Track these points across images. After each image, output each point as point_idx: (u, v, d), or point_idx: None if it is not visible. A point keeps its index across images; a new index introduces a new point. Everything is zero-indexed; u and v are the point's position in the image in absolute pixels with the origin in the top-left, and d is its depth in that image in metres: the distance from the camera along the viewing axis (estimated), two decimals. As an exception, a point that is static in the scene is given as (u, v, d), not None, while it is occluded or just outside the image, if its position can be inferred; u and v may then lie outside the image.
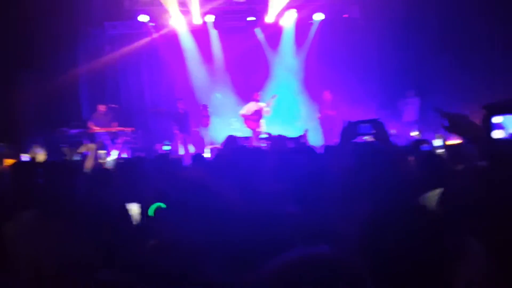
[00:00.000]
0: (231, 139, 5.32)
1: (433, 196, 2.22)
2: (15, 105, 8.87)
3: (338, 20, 11.11)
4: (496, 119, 2.05)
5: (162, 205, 2.33)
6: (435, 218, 2.02)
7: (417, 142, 4.46)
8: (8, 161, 5.16)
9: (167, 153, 8.55)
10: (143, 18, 10.60)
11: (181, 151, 9.34)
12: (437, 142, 5.86)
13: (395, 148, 2.70)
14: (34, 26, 8.70)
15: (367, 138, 2.94)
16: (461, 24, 8.88)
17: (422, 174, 2.82)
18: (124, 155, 9.26)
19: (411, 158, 3.17)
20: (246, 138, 8.91)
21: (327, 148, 4.18)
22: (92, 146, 8.74)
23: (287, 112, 11.01)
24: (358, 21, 11.03)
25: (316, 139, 9.26)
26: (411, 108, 9.70)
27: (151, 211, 2.35)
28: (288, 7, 10.64)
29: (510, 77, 8.46)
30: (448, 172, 2.92)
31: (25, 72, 9.20)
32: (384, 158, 2.73)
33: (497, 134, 2.05)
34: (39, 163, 4.24)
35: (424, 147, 3.94)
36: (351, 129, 2.84)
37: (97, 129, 9.25)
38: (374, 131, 2.72)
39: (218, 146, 9.27)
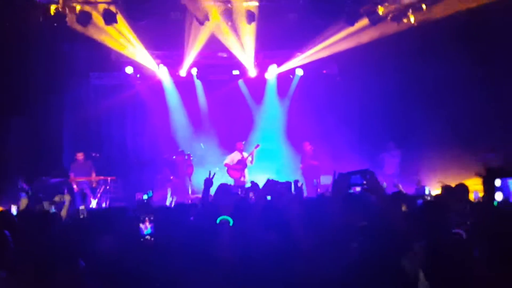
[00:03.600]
0: (223, 187, 5.34)
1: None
2: (2, 152, 8.76)
3: (318, 75, 11.61)
4: (497, 182, 2.24)
5: (230, 219, 2.44)
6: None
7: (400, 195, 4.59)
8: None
9: (146, 201, 8.46)
10: (128, 70, 10.83)
11: (169, 199, 9.28)
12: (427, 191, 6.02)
13: (387, 198, 2.81)
14: (21, 74, 8.78)
15: (358, 188, 3.06)
16: (435, 74, 9.42)
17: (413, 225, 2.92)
18: (103, 205, 9.10)
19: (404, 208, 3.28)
20: (238, 186, 8.93)
21: (320, 197, 4.25)
22: (67, 196, 8.59)
23: (270, 162, 11.15)
24: (336, 76, 11.57)
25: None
26: (392, 161, 9.95)
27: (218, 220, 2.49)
28: (269, 62, 11.10)
29: (491, 124, 8.89)
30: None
31: (10, 119, 9.17)
32: (376, 209, 2.83)
33: (498, 196, 2.24)
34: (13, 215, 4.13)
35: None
36: (343, 181, 2.95)
37: (77, 178, 9.14)
38: (365, 182, 2.83)
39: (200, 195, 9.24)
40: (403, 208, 3.98)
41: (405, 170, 9.65)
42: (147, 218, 3.40)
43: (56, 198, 8.04)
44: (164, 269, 2.48)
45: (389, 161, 9.93)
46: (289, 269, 2.56)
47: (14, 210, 4.50)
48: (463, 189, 4.78)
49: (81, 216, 5.93)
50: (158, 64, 10.90)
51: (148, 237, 3.17)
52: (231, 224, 2.55)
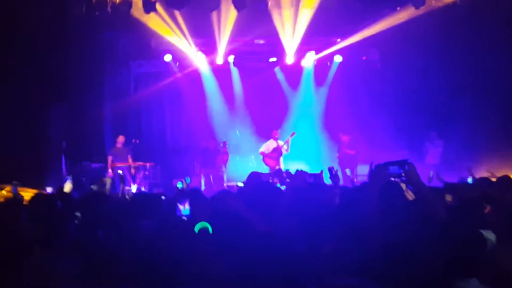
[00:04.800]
0: (254, 175, 5.34)
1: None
2: (43, 138, 9.16)
3: (357, 62, 11.31)
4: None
5: (209, 226, 2.41)
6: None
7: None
8: (28, 194, 5.23)
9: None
10: (168, 57, 10.99)
11: (203, 186, 9.42)
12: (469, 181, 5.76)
13: (428, 189, 2.68)
14: (66, 63, 9.11)
15: (397, 179, 2.94)
16: (480, 64, 8.96)
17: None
18: (143, 189, 9.34)
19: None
20: (269, 174, 8.93)
21: (363, 185, 4.14)
22: (107, 179, 8.90)
23: (305, 150, 11.04)
24: (377, 63, 11.22)
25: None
26: (435, 150, 9.61)
27: (197, 228, 2.43)
28: (308, 49, 10.90)
29: None
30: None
31: (55, 106, 9.55)
32: (417, 200, 2.72)
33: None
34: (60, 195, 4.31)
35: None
36: (380, 171, 2.84)
37: (118, 163, 9.39)
38: (404, 173, 2.72)
39: (236, 184, 9.31)
40: (448, 199, 3.80)
41: (448, 161, 9.27)
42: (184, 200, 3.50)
43: (98, 182, 8.39)
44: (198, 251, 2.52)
45: (432, 151, 9.58)
46: (319, 260, 2.51)
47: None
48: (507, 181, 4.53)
49: (127, 197, 6.11)
50: (195, 52, 10.97)
51: (184, 217, 3.25)
52: (210, 232, 2.52)
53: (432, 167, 8.89)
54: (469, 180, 5.84)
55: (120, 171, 8.89)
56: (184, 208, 3.35)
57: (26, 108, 8.58)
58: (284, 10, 9.24)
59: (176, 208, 3.35)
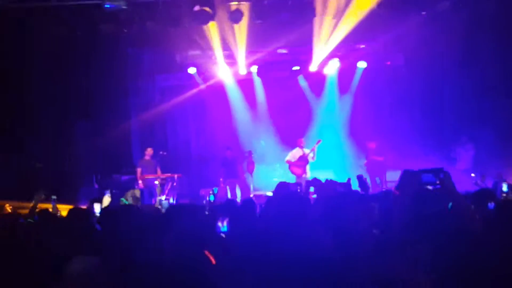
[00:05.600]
0: (282, 185, 5.34)
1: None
2: (73, 154, 9.42)
3: (381, 68, 11.21)
4: None
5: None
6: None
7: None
8: (64, 209, 5.41)
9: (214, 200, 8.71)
10: (191, 70, 11.18)
11: (229, 196, 9.48)
12: (504, 187, 5.59)
13: (463, 199, 2.63)
14: (93, 80, 9.38)
15: (430, 187, 2.90)
16: (508, 64, 8.71)
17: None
18: (171, 200, 9.47)
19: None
20: (297, 183, 8.91)
21: (386, 193, 4.10)
22: (137, 191, 9.08)
23: (331, 158, 10.97)
24: (402, 68, 11.08)
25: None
26: (466, 155, 9.36)
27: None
28: (331, 56, 10.88)
29: None
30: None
31: (83, 122, 9.82)
32: (452, 209, 2.67)
33: None
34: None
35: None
36: (413, 178, 2.82)
37: (147, 175, 9.56)
38: (439, 182, 2.68)
39: (264, 193, 9.33)
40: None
41: (479, 165, 9.01)
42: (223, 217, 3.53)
43: (128, 193, 8.57)
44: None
45: (463, 156, 9.33)
46: (347, 270, 2.49)
47: (97, 208, 4.88)
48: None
49: (160, 208, 6.21)
50: (219, 63, 11.11)
51: (223, 234, 3.28)
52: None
53: (464, 172, 8.68)
54: (504, 186, 5.67)
55: (156, 182, 9.07)
56: (223, 225, 3.37)
57: (53, 125, 8.81)
58: (324, 17, 9.17)
59: (216, 225, 3.38)
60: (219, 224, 3.35)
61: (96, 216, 4.31)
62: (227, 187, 9.80)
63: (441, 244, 2.39)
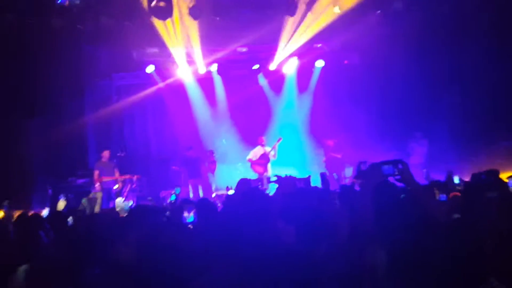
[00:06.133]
0: (243, 181, 5.34)
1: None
2: (23, 155, 8.93)
3: (339, 66, 11.45)
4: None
5: None
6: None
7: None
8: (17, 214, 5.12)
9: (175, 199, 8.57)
10: (149, 69, 10.92)
11: (191, 196, 9.35)
12: (456, 180, 5.86)
13: (421, 188, 2.73)
14: (43, 76, 8.93)
15: (390, 178, 2.97)
16: (461, 63, 9.15)
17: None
18: (130, 203, 9.22)
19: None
20: (258, 180, 8.91)
21: (343, 188, 4.19)
22: (98, 194, 8.77)
23: (292, 155, 11.08)
24: (359, 66, 11.38)
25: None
26: (420, 150, 9.74)
27: None
28: (290, 55, 10.99)
29: None
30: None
31: (34, 121, 9.34)
32: (410, 199, 2.75)
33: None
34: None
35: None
36: (374, 171, 2.88)
37: (105, 178, 9.23)
38: (398, 172, 2.76)
39: (225, 192, 9.28)
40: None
41: (433, 160, 9.42)
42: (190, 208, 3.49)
43: (90, 196, 8.26)
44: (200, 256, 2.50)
45: (417, 151, 9.72)
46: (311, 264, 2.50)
47: (45, 212, 4.62)
48: (493, 175, 4.62)
49: (119, 211, 6.01)
50: (178, 62, 10.92)
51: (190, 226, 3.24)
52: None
53: (417, 166, 9.05)
54: (456, 179, 5.96)
55: (117, 186, 8.80)
56: (189, 216, 3.34)
57: (2, 123, 8.35)
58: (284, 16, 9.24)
59: (182, 216, 3.34)
60: (185, 214, 3.31)
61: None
62: (190, 187, 9.67)
63: (404, 235, 2.45)
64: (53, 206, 4.68)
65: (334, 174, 9.91)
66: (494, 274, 1.80)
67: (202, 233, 2.98)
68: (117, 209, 6.96)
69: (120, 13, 7.81)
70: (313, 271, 2.53)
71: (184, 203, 4.00)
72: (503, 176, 4.81)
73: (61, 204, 4.45)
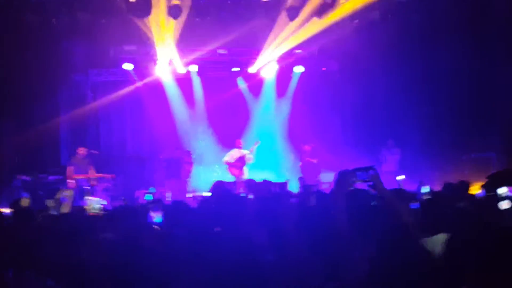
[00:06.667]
0: (219, 184, 5.32)
1: (437, 240, 2.27)
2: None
3: (317, 73, 11.59)
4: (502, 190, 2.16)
5: None
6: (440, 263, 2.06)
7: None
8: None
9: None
10: (127, 66, 10.76)
11: (168, 198, 9.23)
12: (425, 189, 6.00)
13: (391, 194, 2.79)
14: (17, 72, 8.70)
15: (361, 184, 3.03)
16: (435, 72, 9.39)
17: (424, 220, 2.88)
18: (103, 202, 9.04)
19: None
20: (234, 183, 8.90)
21: (318, 194, 4.23)
22: (69, 192, 8.54)
23: (269, 159, 11.13)
24: (336, 73, 11.55)
25: (296, 187, 9.33)
26: (392, 158, 9.94)
27: None
28: (269, 59, 11.06)
29: (487, 121, 8.88)
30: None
31: (5, 120, 9.08)
32: (382, 205, 2.81)
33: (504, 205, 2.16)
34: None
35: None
36: (348, 177, 2.92)
37: (76, 175, 9.03)
38: (369, 178, 2.81)
39: (201, 193, 9.22)
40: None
41: (405, 168, 9.63)
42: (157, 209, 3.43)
43: (58, 195, 8.03)
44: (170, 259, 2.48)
45: (388, 159, 9.92)
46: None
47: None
48: (463, 186, 4.76)
49: (90, 210, 5.88)
50: (156, 60, 10.81)
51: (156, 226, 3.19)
52: None
53: (389, 174, 9.24)
54: (425, 189, 6.10)
55: (93, 183, 8.61)
56: (155, 217, 3.29)
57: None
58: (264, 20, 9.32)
59: (147, 216, 3.29)
60: (152, 214, 3.28)
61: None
62: (167, 187, 9.59)
63: (378, 242, 2.48)
64: (16, 203, 4.51)
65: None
66: (467, 283, 1.85)
67: (171, 235, 2.95)
68: (89, 208, 6.83)
69: (97, 9, 7.67)
70: (285, 276, 2.55)
71: (150, 203, 3.96)
72: (475, 187, 4.97)
73: (24, 203, 4.32)
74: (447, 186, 4.80)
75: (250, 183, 6.78)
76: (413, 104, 9.96)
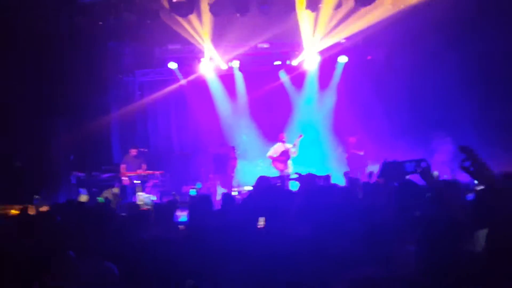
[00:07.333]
0: (262, 179, 5.34)
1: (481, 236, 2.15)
2: (51, 152, 9.17)
3: (362, 62, 11.29)
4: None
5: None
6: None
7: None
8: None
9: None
10: (172, 65, 11.05)
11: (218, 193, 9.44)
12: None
13: (444, 185, 2.68)
14: (68, 75, 9.14)
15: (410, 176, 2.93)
16: (487, 58, 8.85)
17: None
18: (153, 198, 9.36)
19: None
20: (278, 177, 8.89)
21: (365, 185, 4.13)
22: (115, 189, 8.92)
23: (313, 152, 11.02)
24: (382, 62, 11.19)
25: (341, 180, 9.16)
26: (444, 148, 9.52)
27: None
28: (312, 51, 10.90)
29: None
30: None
31: (59, 119, 9.57)
32: (434, 197, 2.70)
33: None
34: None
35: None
36: (396, 168, 2.84)
37: (127, 173, 9.41)
38: (420, 170, 2.71)
39: (246, 188, 9.32)
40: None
41: (458, 158, 9.17)
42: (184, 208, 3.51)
43: (106, 192, 8.42)
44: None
45: (441, 149, 9.49)
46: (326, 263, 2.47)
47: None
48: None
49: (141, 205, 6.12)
50: (200, 58, 10.99)
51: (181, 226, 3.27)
52: None
53: (442, 164, 8.86)
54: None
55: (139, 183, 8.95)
56: (181, 216, 3.36)
57: (26, 123, 8.56)
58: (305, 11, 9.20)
59: (173, 215, 3.37)
60: (178, 213, 3.34)
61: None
62: (217, 182, 9.79)
63: (431, 237, 2.37)
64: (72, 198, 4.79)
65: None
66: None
67: (218, 229, 2.99)
68: (140, 203, 7.09)
69: (141, 10, 7.89)
70: (330, 270, 2.51)
71: (175, 202, 4.02)
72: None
73: (83, 199, 4.55)
74: (507, 176, 4.51)
75: (296, 177, 6.75)
76: (465, 90, 9.43)
